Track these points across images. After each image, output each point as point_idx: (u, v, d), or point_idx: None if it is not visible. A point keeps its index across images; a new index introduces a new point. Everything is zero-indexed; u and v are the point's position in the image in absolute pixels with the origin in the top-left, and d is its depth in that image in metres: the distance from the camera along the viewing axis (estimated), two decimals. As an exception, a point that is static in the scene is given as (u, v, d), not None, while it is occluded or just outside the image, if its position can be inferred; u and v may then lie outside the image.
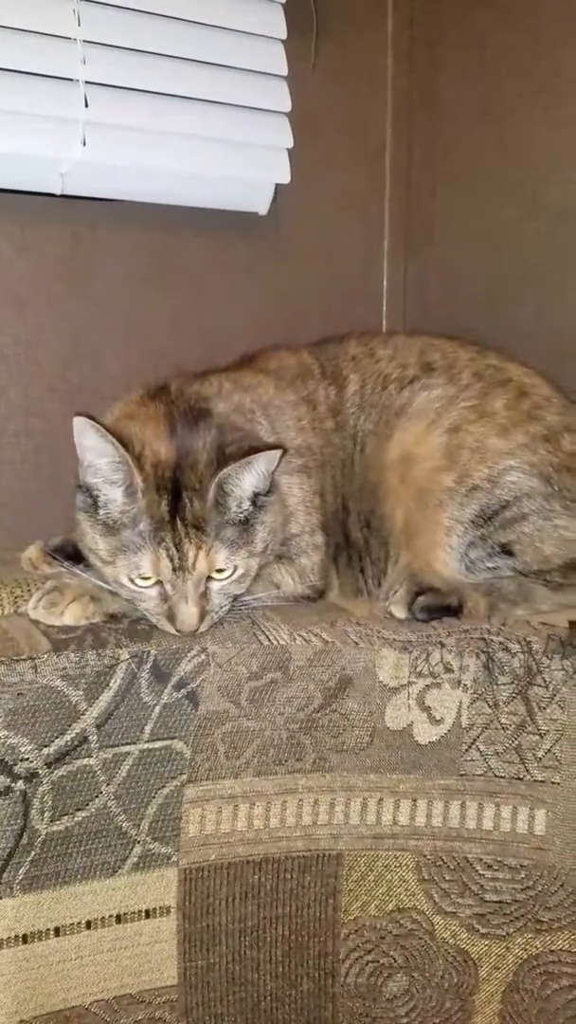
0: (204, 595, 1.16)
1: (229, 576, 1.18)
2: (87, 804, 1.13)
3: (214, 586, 1.18)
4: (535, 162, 1.79)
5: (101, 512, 1.17)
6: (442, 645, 1.23)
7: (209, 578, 1.17)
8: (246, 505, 1.19)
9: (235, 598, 1.21)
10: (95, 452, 1.15)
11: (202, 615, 1.16)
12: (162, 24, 1.61)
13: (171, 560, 1.14)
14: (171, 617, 1.16)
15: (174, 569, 1.14)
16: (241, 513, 1.18)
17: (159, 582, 1.16)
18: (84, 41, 1.53)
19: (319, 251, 1.96)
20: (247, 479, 1.17)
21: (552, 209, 1.76)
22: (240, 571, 1.19)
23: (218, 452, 1.17)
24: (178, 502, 1.15)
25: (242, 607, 1.23)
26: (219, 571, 1.17)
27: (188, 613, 1.15)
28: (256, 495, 1.19)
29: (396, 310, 2.07)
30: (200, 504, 1.15)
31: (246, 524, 1.19)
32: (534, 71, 1.76)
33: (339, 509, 1.39)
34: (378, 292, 2.07)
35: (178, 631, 1.16)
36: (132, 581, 1.16)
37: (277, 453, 1.19)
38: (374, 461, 1.39)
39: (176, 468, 1.17)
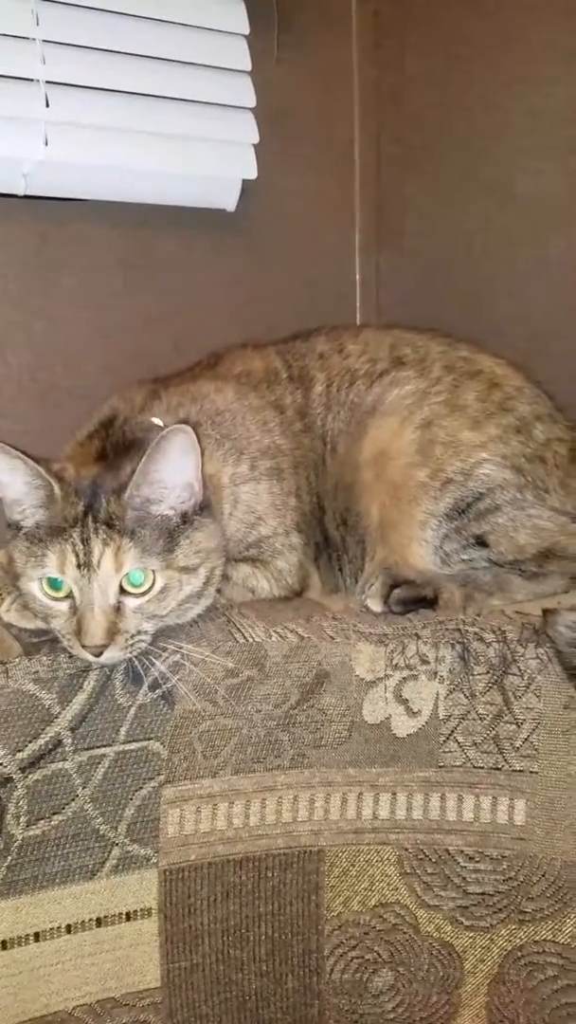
0: (118, 611, 1.09)
1: (147, 591, 1.10)
2: (63, 808, 1.12)
3: (130, 603, 1.09)
4: (506, 153, 1.78)
5: (25, 526, 1.12)
6: (418, 637, 1.22)
7: (126, 593, 1.09)
8: (168, 504, 1.11)
9: (158, 626, 1.12)
10: (7, 476, 1.10)
11: (112, 631, 1.07)
12: (122, 22, 1.60)
13: (76, 556, 1.07)
14: (79, 631, 1.07)
15: (78, 566, 1.07)
16: (161, 515, 1.11)
17: (70, 596, 1.09)
18: (43, 40, 1.52)
19: (290, 246, 1.95)
20: (163, 467, 1.09)
21: (524, 200, 1.75)
22: (159, 585, 1.10)
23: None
24: (95, 503, 1.10)
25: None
26: (135, 586, 1.09)
27: (93, 623, 1.07)
28: (185, 506, 1.13)
29: (369, 304, 2.07)
30: (116, 503, 1.09)
31: (170, 533, 1.12)
32: (503, 61, 1.75)
33: (315, 508, 1.39)
34: (351, 286, 2.06)
35: (84, 646, 1.07)
36: (44, 591, 1.10)
37: (186, 428, 1.09)
38: (348, 460, 1.38)
39: (98, 476, 1.13)
